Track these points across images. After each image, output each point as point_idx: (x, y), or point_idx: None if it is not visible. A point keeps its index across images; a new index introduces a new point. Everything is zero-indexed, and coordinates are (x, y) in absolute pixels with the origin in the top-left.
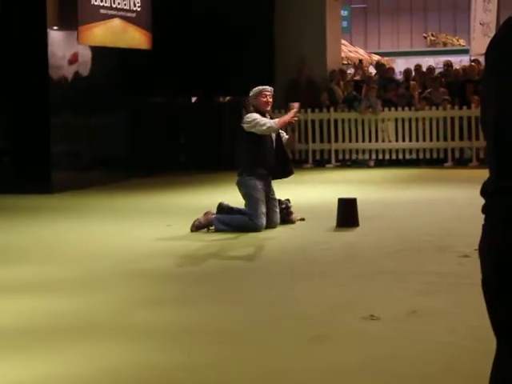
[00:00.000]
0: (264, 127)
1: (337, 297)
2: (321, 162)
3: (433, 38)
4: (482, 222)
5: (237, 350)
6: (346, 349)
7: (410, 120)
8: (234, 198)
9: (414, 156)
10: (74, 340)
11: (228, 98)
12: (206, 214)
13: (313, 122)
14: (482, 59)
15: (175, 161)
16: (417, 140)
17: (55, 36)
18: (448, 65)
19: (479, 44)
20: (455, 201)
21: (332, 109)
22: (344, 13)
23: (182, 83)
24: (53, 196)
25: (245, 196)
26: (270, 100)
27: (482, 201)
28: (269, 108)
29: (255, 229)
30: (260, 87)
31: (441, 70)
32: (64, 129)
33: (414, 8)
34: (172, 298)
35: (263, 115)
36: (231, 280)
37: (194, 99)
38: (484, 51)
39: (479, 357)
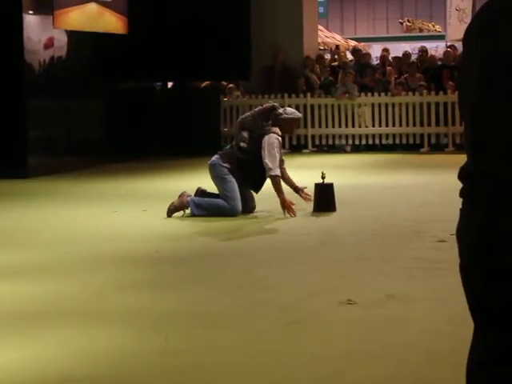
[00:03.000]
0: (269, 168)
1: (314, 282)
2: (297, 148)
3: (409, 24)
4: (460, 206)
5: (215, 336)
6: (324, 333)
7: (386, 105)
8: (209, 183)
9: (390, 141)
10: (49, 325)
11: (205, 83)
12: (181, 196)
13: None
14: (458, 45)
15: (151, 146)
16: (393, 125)
17: (31, 20)
18: (423, 50)
19: (455, 30)
20: (431, 186)
21: (308, 94)
22: None
23: (158, 68)
24: (29, 181)
25: (216, 178)
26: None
27: (459, 186)
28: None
29: (232, 213)
30: (299, 114)
31: (416, 55)
32: (40, 114)
33: None
34: (148, 282)
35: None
36: (208, 265)
37: (169, 84)
38: (460, 37)
39: (458, 342)
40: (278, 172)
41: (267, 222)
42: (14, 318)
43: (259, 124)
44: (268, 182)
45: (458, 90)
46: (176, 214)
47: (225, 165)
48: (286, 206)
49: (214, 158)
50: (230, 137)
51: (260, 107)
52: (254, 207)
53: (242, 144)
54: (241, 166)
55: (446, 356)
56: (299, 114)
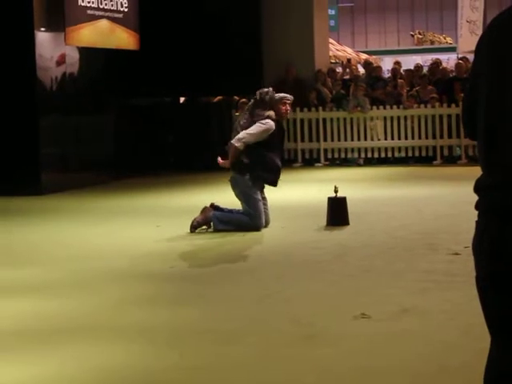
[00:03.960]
0: (238, 137)
1: (328, 296)
2: (310, 161)
3: (420, 37)
4: (475, 219)
5: (229, 351)
6: (337, 347)
7: (398, 118)
8: (223, 197)
9: (402, 154)
10: (66, 341)
11: (218, 98)
12: (204, 211)
13: (301, 121)
14: (469, 57)
15: (164, 161)
16: (406, 138)
17: (43, 37)
18: (435, 62)
19: (466, 42)
20: (445, 198)
21: (320, 108)
22: (331, 12)
23: (170, 83)
24: (43, 198)
25: (242, 194)
26: (289, 109)
27: (472, 198)
28: (287, 116)
29: (255, 228)
30: (281, 94)
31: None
32: (52, 130)
33: (401, 7)
34: (164, 298)
35: (277, 122)
36: (222, 280)
37: (182, 99)
38: (471, 49)
39: (472, 354)
40: (240, 145)
41: (281, 236)
42: (31, 334)
43: (254, 119)
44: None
45: (468, 103)
46: (198, 229)
47: (246, 176)
48: (223, 164)
49: (233, 174)
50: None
51: (249, 104)
52: (269, 222)
53: (245, 160)
54: (254, 164)
55: (460, 369)
56: (290, 96)
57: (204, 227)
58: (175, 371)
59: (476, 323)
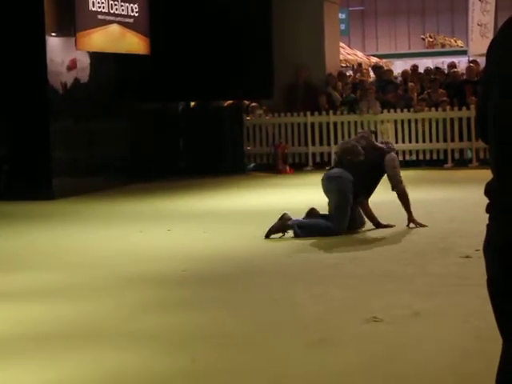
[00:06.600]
0: (401, 181)
1: (339, 299)
2: (321, 165)
3: (431, 40)
4: (486, 222)
5: (241, 355)
6: (348, 351)
7: (409, 121)
8: (233, 202)
9: (413, 157)
10: (79, 346)
11: (228, 102)
12: (282, 218)
13: (312, 124)
14: (480, 60)
15: (175, 166)
16: (416, 141)
17: (53, 42)
18: (452, 66)
19: (477, 45)
20: (455, 201)
21: (331, 112)
22: (342, 15)
23: (181, 88)
24: (54, 202)
25: (337, 192)
26: None
27: (483, 201)
28: None
29: (336, 233)
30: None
31: (440, 71)
32: (64, 135)
33: (412, 10)
34: (176, 302)
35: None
36: (234, 284)
37: (192, 104)
38: (482, 52)
39: (483, 358)
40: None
41: (292, 240)
42: (45, 338)
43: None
44: None
45: (480, 106)
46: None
47: (352, 178)
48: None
49: (336, 170)
50: (253, 155)
51: (358, 136)
52: (362, 224)
53: (361, 157)
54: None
55: (472, 372)
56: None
57: (280, 234)
58: (187, 375)
59: (488, 326)
